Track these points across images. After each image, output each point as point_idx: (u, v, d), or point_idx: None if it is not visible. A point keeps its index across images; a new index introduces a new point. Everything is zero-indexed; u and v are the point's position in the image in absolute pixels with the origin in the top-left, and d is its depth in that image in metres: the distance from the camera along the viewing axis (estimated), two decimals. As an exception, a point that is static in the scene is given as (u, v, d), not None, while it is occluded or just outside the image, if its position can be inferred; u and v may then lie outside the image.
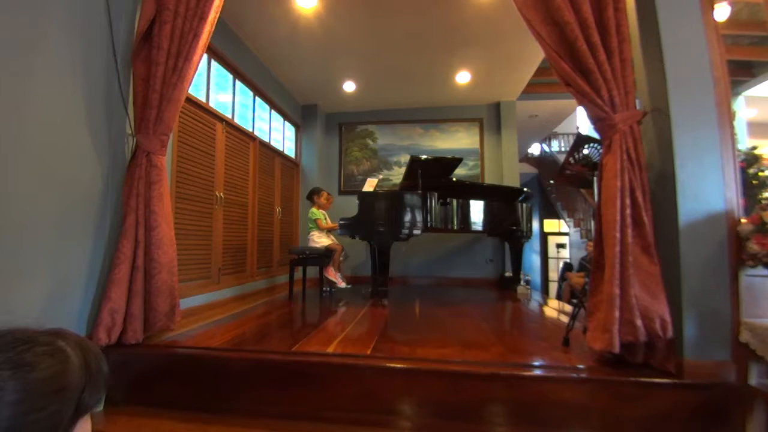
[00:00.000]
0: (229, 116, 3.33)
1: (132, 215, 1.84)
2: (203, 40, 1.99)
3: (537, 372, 1.58)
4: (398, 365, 1.63)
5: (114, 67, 1.88)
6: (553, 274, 9.29)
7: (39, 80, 1.53)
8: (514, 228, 4.03)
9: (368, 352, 1.81)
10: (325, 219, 3.73)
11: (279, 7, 3.06)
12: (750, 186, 3.32)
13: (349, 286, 3.98)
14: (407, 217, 3.16)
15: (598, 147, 1.82)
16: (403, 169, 4.87)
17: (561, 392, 1.52)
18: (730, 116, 1.67)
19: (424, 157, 3.47)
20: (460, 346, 1.93)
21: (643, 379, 1.50)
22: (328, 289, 3.84)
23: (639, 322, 1.48)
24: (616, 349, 1.49)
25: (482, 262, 4.97)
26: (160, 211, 1.89)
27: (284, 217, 4.49)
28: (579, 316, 1.96)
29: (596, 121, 1.73)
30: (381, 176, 5.14)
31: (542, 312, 3.15)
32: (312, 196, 3.78)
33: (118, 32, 1.90)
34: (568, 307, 3.31)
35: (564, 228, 8.82)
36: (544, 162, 9.46)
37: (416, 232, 3.16)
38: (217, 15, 2.06)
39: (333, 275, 3.78)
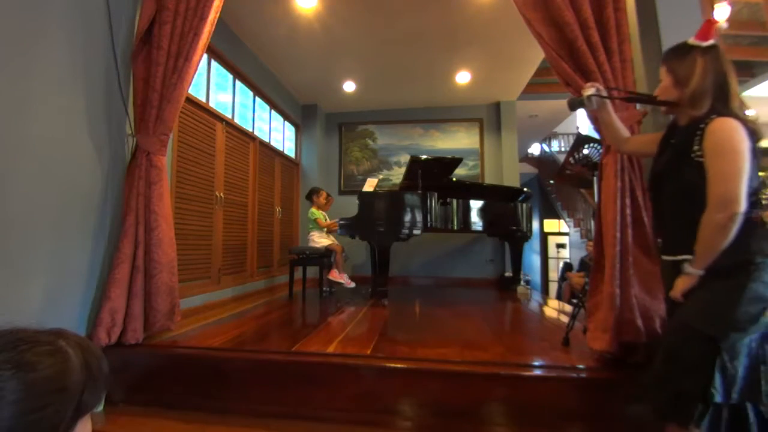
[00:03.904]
0: (229, 116, 3.33)
1: (132, 215, 1.84)
2: (203, 40, 1.99)
3: (537, 372, 1.58)
4: (398, 365, 1.63)
5: (114, 67, 1.88)
6: (553, 274, 9.29)
7: (39, 80, 1.53)
8: (514, 228, 4.03)
9: (368, 352, 1.81)
10: (325, 220, 3.71)
11: (279, 7, 3.06)
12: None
13: (353, 285, 3.96)
14: (407, 217, 3.16)
15: (598, 147, 1.82)
16: (403, 169, 4.87)
17: (561, 392, 1.52)
18: (730, 116, 1.66)
19: (424, 157, 3.47)
20: (460, 346, 1.93)
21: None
22: (328, 289, 3.84)
23: (639, 322, 1.48)
24: (616, 349, 1.49)
25: (482, 262, 4.96)
26: (160, 212, 1.89)
27: (284, 217, 4.49)
28: (579, 316, 1.96)
29: (596, 121, 1.73)
30: (381, 176, 5.13)
31: (542, 312, 3.15)
32: (311, 196, 3.76)
33: (118, 32, 1.90)
34: (568, 307, 3.31)
35: (564, 228, 8.82)
36: (544, 162, 9.46)
37: (416, 232, 3.16)
38: (217, 15, 2.06)
39: (338, 277, 3.76)
